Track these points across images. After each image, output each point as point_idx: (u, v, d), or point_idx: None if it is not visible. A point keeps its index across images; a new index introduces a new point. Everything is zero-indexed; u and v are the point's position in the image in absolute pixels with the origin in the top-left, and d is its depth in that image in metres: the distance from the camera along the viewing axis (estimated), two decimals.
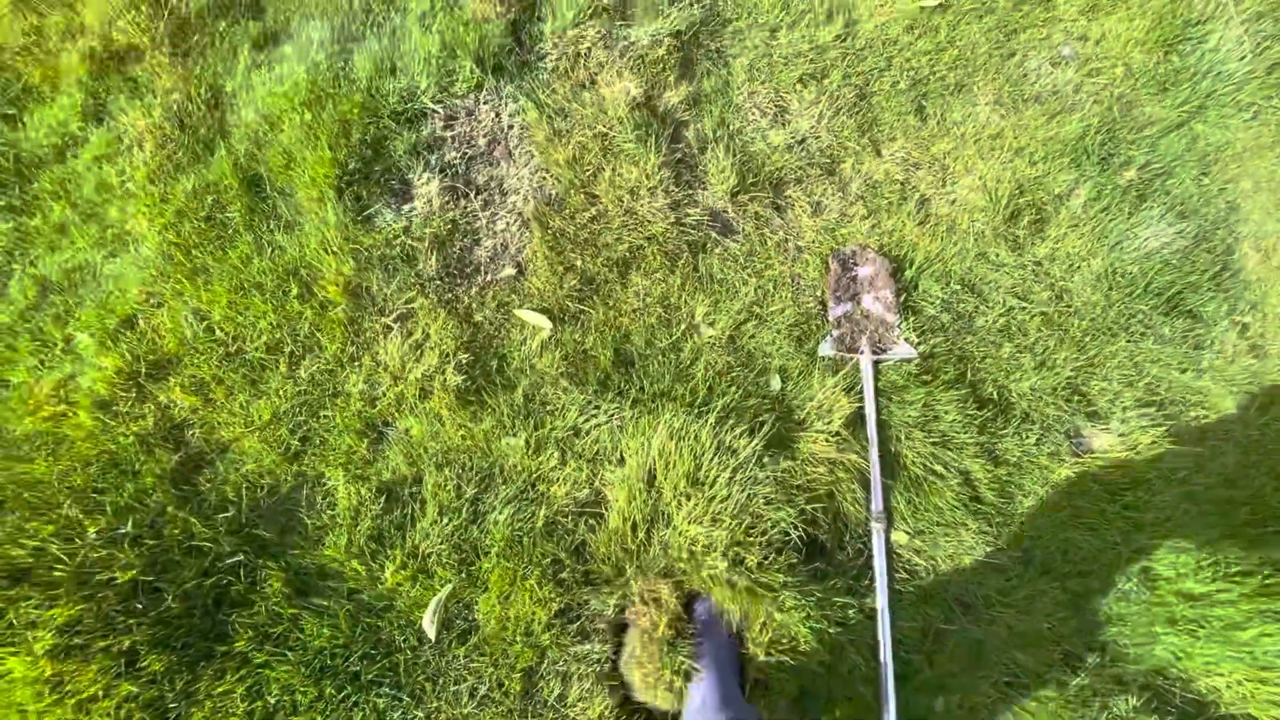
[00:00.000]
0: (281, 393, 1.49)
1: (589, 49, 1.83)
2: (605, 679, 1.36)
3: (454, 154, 1.71)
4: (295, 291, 1.55)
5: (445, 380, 1.51)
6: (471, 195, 1.69)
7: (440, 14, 1.79)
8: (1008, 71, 2.05)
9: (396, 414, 1.52)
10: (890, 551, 1.50)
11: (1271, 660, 1.39)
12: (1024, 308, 1.77)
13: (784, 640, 1.37)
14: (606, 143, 1.74)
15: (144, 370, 1.48)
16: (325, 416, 1.49)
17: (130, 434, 1.43)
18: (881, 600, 1.43)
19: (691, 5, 1.94)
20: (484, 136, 1.74)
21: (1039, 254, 1.85)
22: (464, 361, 1.54)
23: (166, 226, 1.58)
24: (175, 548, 1.34)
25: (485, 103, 1.77)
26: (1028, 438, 1.63)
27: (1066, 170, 1.95)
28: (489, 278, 1.64)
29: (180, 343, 1.50)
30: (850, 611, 1.44)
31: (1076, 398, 1.69)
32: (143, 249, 1.58)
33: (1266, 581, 1.46)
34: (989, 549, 1.54)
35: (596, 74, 1.82)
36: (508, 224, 1.68)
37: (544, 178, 1.72)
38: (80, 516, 1.31)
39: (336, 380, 1.52)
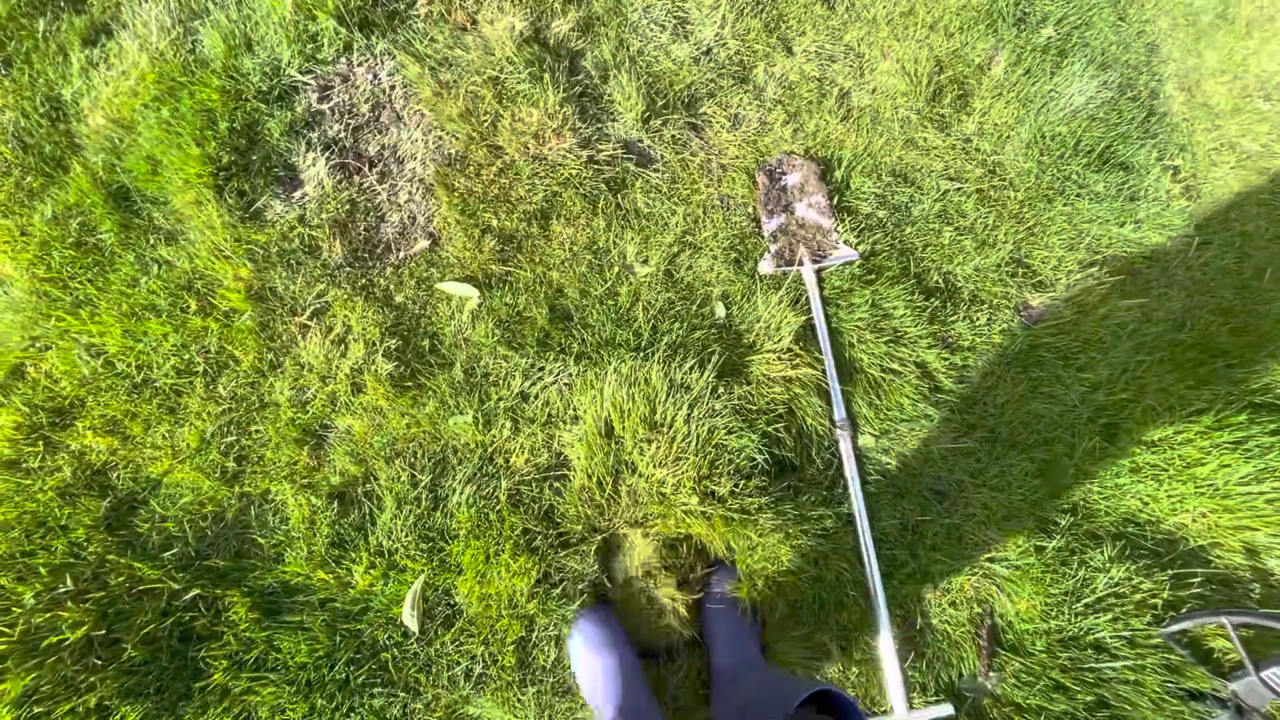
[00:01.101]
0: (204, 415, 1.40)
1: None
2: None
3: (337, 127, 1.57)
4: (194, 306, 1.44)
5: (377, 370, 1.43)
6: (365, 169, 1.56)
7: None
8: None
9: (333, 414, 1.44)
10: (859, 456, 1.49)
11: (1232, 489, 1.43)
12: (959, 188, 1.73)
13: (769, 562, 1.37)
14: (500, 87, 1.61)
15: (46, 420, 1.37)
16: (257, 431, 1.41)
17: (48, 489, 1.33)
18: (857, 504, 1.43)
19: None
20: (366, 102, 1.60)
21: (967, 130, 1.79)
22: (393, 347, 1.46)
23: (33, 262, 1.43)
24: (124, 595, 1.27)
25: (359, 65, 1.61)
26: (978, 319, 1.61)
27: (984, 37, 1.87)
28: (402, 254, 1.53)
29: (79, 384, 1.38)
30: (828, 522, 1.44)
31: (1021, 271, 1.68)
32: (13, 291, 1.43)
33: (1219, 415, 1.50)
34: (955, 435, 1.54)
35: (475, 13, 1.67)
36: (410, 193, 1.56)
37: (439, 137, 1.59)
38: (12, 584, 1.23)
39: (260, 391, 1.43)
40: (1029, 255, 1.69)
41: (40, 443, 1.36)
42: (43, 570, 1.25)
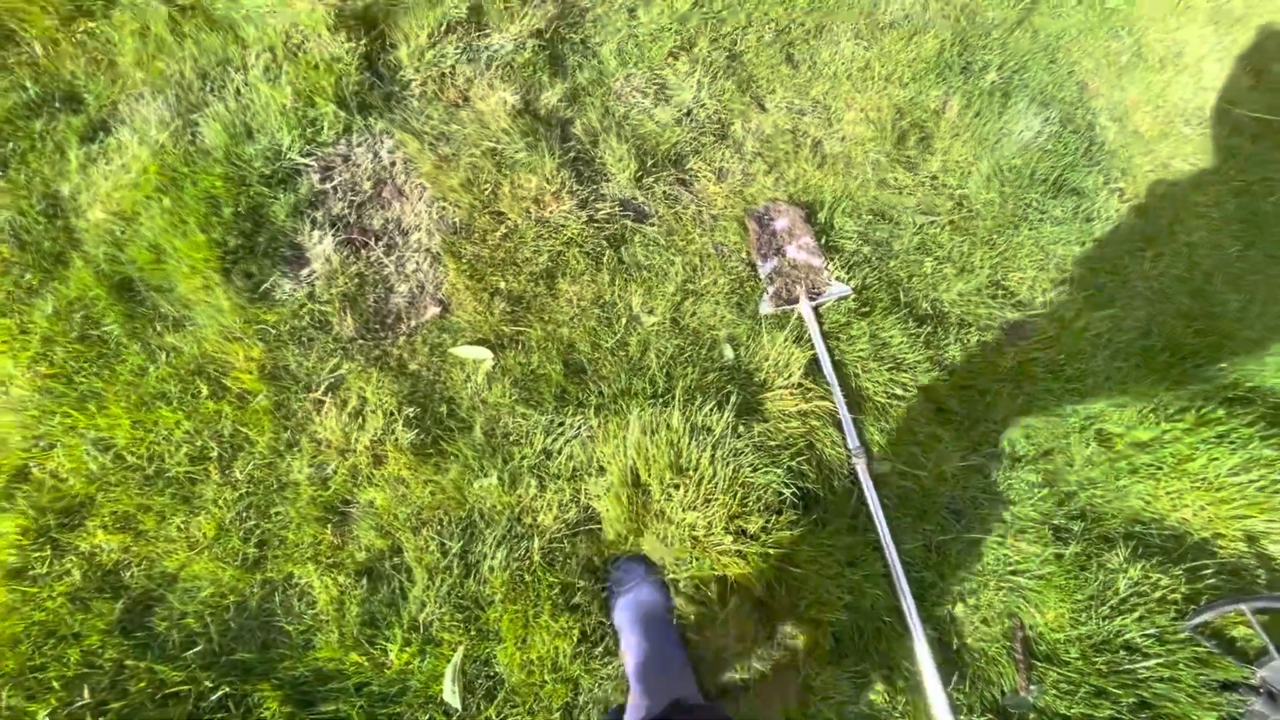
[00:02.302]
0: (221, 502, 1.36)
1: (453, 66, 1.76)
2: None
3: (340, 205, 1.60)
4: (206, 391, 1.42)
5: (397, 439, 1.42)
6: (371, 243, 1.59)
7: (285, 63, 1.66)
8: (859, 5, 2.13)
9: (354, 489, 1.41)
10: (877, 482, 1.53)
11: (1224, 480, 1.52)
12: (932, 221, 1.85)
13: (809, 595, 1.38)
14: (497, 157, 1.68)
15: (53, 522, 1.31)
16: (277, 513, 1.37)
17: (58, 595, 1.26)
18: (882, 530, 1.46)
19: (545, 0, 1.90)
20: (368, 180, 1.64)
21: (932, 169, 1.93)
22: (411, 416, 1.45)
23: (35, 359, 1.40)
24: (147, 701, 1.20)
25: (359, 145, 1.66)
26: (969, 341, 1.70)
27: (935, 85, 2.04)
28: (413, 323, 1.55)
29: (88, 480, 1.33)
30: (857, 550, 1.47)
31: (1001, 293, 1.79)
32: (13, 390, 1.39)
33: (1201, 412, 1.60)
34: (963, 454, 1.60)
35: (467, 90, 1.75)
36: (418, 263, 1.59)
37: (442, 207, 1.64)
38: (23, 703, 1.15)
39: (278, 472, 1.40)
40: (1005, 278, 1.81)
41: (47, 547, 1.30)
42: (56, 684, 1.17)
